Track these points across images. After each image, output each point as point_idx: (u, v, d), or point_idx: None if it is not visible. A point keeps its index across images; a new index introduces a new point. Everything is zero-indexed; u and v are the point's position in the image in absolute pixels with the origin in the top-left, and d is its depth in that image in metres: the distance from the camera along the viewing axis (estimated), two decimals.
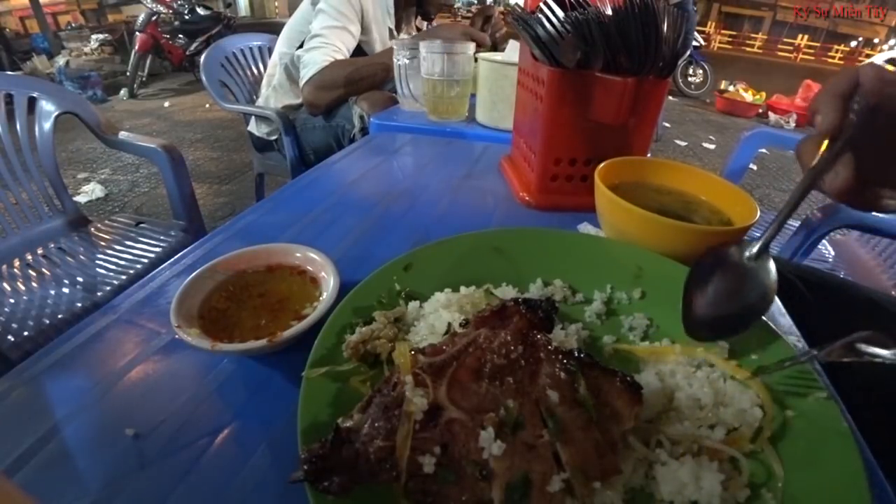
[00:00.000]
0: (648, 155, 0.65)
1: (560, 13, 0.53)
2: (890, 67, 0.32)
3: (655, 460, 0.28)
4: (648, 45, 0.51)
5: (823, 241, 1.21)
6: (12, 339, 0.80)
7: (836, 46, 19.91)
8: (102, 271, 1.01)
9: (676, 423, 0.30)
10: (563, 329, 0.37)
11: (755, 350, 0.35)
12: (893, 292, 0.62)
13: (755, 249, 0.38)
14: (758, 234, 0.39)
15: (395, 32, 1.47)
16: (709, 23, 20.44)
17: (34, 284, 0.95)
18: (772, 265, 0.37)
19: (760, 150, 2.95)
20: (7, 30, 5.66)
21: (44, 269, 0.99)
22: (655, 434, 0.29)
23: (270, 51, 1.77)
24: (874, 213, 1.01)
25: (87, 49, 5.39)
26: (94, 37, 5.52)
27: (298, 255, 0.46)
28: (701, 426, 0.30)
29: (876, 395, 0.47)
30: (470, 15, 1.56)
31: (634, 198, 0.45)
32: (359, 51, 1.39)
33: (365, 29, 1.39)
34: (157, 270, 0.49)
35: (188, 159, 2.70)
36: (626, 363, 0.37)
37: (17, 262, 1.01)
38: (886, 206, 0.35)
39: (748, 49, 19.93)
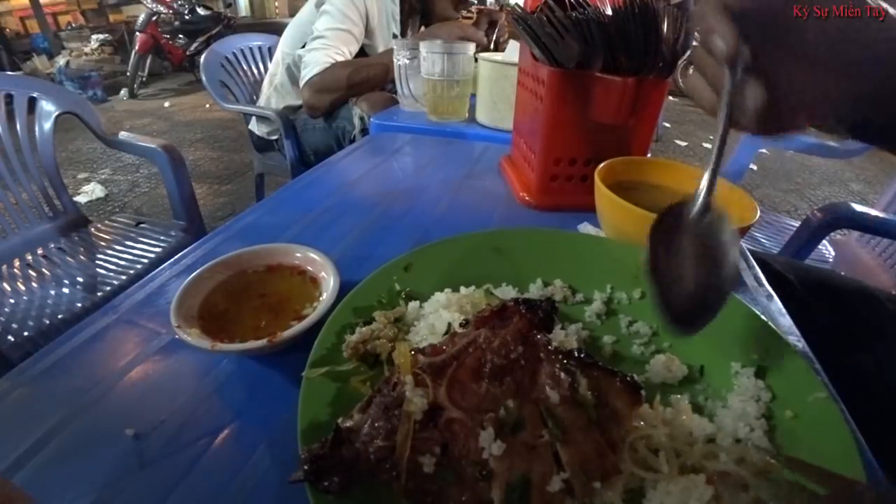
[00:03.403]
0: (648, 155, 0.65)
1: (560, 13, 0.53)
2: None
3: (655, 465, 0.27)
4: (648, 45, 0.51)
5: (823, 241, 1.21)
6: (12, 340, 0.80)
7: None
8: (102, 271, 1.01)
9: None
10: (563, 329, 0.37)
11: (755, 350, 0.35)
12: (893, 292, 0.62)
13: (696, 208, 0.32)
14: (758, 234, 0.39)
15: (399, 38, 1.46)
16: None
17: (34, 284, 0.95)
18: (725, 224, 0.31)
19: (760, 151, 2.95)
20: (7, 30, 5.65)
21: (44, 269, 1.00)
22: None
23: (270, 51, 1.77)
24: (869, 211, 1.01)
25: (87, 49, 5.37)
26: (94, 37, 5.50)
27: (298, 255, 0.46)
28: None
29: (876, 395, 0.47)
30: (471, 15, 1.54)
31: (634, 198, 0.45)
32: (362, 55, 1.39)
33: (369, 34, 1.38)
34: (157, 270, 0.49)
35: (188, 159, 2.71)
36: (626, 363, 0.37)
37: (17, 262, 1.01)
38: (797, 123, 0.31)
39: None
